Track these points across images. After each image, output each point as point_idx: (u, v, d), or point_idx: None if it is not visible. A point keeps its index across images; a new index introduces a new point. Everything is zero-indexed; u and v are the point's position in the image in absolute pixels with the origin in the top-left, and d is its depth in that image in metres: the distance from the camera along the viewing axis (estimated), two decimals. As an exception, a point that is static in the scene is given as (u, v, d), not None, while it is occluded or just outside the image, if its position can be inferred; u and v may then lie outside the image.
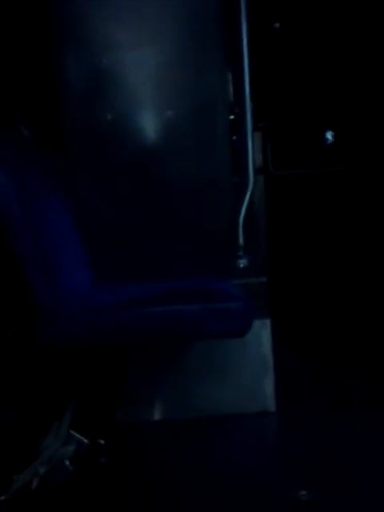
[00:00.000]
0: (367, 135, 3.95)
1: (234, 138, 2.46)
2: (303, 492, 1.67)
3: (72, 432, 1.75)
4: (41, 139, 2.19)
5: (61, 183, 2.01)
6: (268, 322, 2.18)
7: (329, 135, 4.10)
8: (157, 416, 2.18)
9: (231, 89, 2.56)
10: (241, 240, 2.20)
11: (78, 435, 1.75)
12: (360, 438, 1.95)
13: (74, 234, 1.94)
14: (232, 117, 2.46)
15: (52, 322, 1.63)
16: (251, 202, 2.23)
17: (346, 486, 1.70)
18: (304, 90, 4.27)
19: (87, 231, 1.99)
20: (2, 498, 1.56)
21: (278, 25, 4.30)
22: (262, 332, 2.17)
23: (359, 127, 4.00)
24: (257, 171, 2.27)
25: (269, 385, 2.18)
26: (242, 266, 2.19)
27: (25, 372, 1.72)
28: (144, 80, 2.26)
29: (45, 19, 2.14)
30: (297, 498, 1.66)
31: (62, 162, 2.17)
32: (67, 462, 1.69)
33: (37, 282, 1.62)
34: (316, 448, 1.92)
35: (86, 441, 1.77)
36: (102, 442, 1.86)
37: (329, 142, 4.09)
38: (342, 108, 4.11)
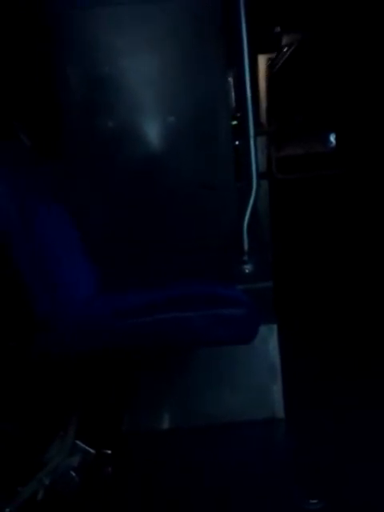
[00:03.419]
0: (371, 136, 3.93)
1: (237, 142, 2.45)
2: (313, 501, 1.64)
3: (77, 442, 1.73)
4: (41, 148, 2.19)
5: (62, 191, 2.01)
6: (275, 327, 2.16)
7: (332, 138, 4.10)
8: (164, 424, 2.16)
9: (233, 94, 2.55)
10: (245, 245, 2.18)
11: (83, 445, 1.74)
12: (370, 444, 1.92)
13: (75, 242, 1.93)
14: (234, 122, 2.45)
15: (53, 332, 1.61)
16: (255, 206, 2.21)
17: (356, 495, 1.67)
18: (307, 94, 4.26)
19: (89, 238, 1.98)
20: (8, 509, 1.55)
21: (278, 29, 4.31)
22: (269, 337, 2.15)
23: (361, 130, 3.99)
24: (260, 176, 2.25)
25: (277, 391, 2.15)
26: (247, 271, 2.18)
27: (28, 382, 1.70)
28: (145, 86, 2.26)
29: (44, 27, 2.14)
30: (306, 506, 1.63)
31: (63, 171, 2.17)
32: (73, 473, 1.67)
33: (36, 292, 1.60)
34: (325, 455, 1.89)
35: (91, 451, 1.75)
36: (109, 451, 1.84)
37: (332, 144, 4.08)
38: (344, 111, 4.10)
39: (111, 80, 2.22)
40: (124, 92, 2.23)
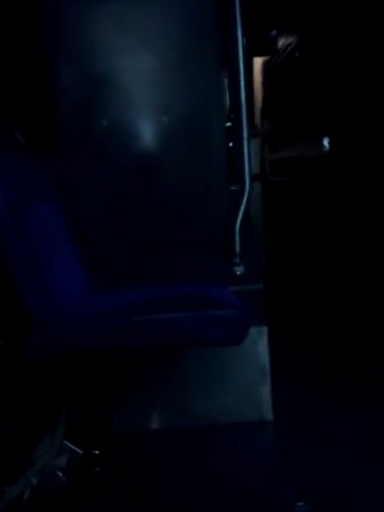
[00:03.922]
0: (364, 141, 3.96)
1: (230, 144, 2.45)
2: (301, 503, 1.65)
3: (65, 442, 1.72)
4: (35, 144, 2.18)
5: (56, 189, 2.00)
6: (265, 329, 2.16)
7: (325, 142, 4.12)
8: (153, 425, 2.16)
9: (227, 95, 2.56)
10: (237, 247, 2.18)
11: (71, 445, 1.73)
12: (358, 446, 1.93)
13: (69, 241, 1.92)
14: (228, 124, 2.45)
15: (45, 331, 1.60)
16: (247, 208, 2.22)
17: (343, 496, 1.68)
18: (302, 97, 4.28)
19: (82, 237, 1.97)
20: (-6, 509, 1.53)
21: (274, 32, 4.33)
22: (259, 339, 2.15)
23: (354, 134, 4.01)
24: (253, 177, 2.25)
25: (266, 393, 2.16)
26: (238, 272, 2.18)
27: (17, 381, 1.69)
28: (139, 86, 2.25)
29: (40, 24, 2.13)
30: (294, 508, 1.64)
31: (57, 168, 2.16)
32: (60, 473, 1.66)
33: (28, 290, 1.59)
34: (313, 457, 1.89)
35: (79, 451, 1.74)
36: (97, 452, 1.84)
37: (325, 148, 4.10)
38: (338, 115, 4.13)
39: (105, 78, 2.21)
40: (118, 91, 2.23)
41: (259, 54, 4.44)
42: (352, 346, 2.72)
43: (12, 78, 2.20)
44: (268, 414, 2.15)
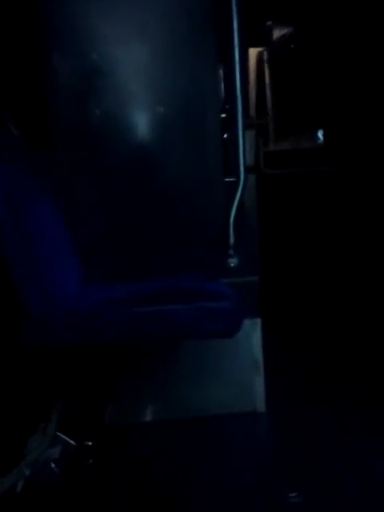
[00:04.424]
0: (358, 135, 3.95)
1: (225, 135, 2.43)
2: (293, 494, 1.66)
3: (58, 434, 1.72)
4: (30, 137, 2.15)
5: (51, 183, 1.97)
6: (258, 321, 2.17)
7: (319, 134, 4.11)
8: (146, 417, 2.16)
9: (222, 86, 2.54)
10: (231, 239, 2.18)
11: (64, 437, 1.73)
12: (350, 439, 1.95)
13: (65, 236, 1.91)
14: (223, 115, 2.43)
15: (42, 325, 1.60)
16: (242, 200, 2.21)
17: (335, 488, 1.69)
18: (297, 90, 4.26)
19: (78, 231, 1.96)
20: (-13, 501, 1.53)
21: (270, 23, 4.30)
22: (253, 332, 2.16)
23: (350, 127, 4.00)
24: (248, 170, 2.24)
25: (259, 385, 2.17)
26: (232, 265, 2.18)
27: (11, 372, 1.69)
28: (134, 76, 2.23)
29: (31, 13, 2.10)
30: (286, 500, 1.65)
31: (52, 161, 2.13)
32: (53, 465, 1.66)
33: (25, 287, 1.58)
34: (306, 449, 1.91)
35: (72, 442, 1.74)
36: (90, 443, 1.84)
37: (319, 140, 4.09)
38: (334, 108, 4.11)
39: (100, 68, 2.18)
40: (112, 81, 2.20)
41: (254, 45, 4.41)
42: (346, 339, 2.74)
43: (6, 71, 2.17)
44: (261, 405, 2.16)
